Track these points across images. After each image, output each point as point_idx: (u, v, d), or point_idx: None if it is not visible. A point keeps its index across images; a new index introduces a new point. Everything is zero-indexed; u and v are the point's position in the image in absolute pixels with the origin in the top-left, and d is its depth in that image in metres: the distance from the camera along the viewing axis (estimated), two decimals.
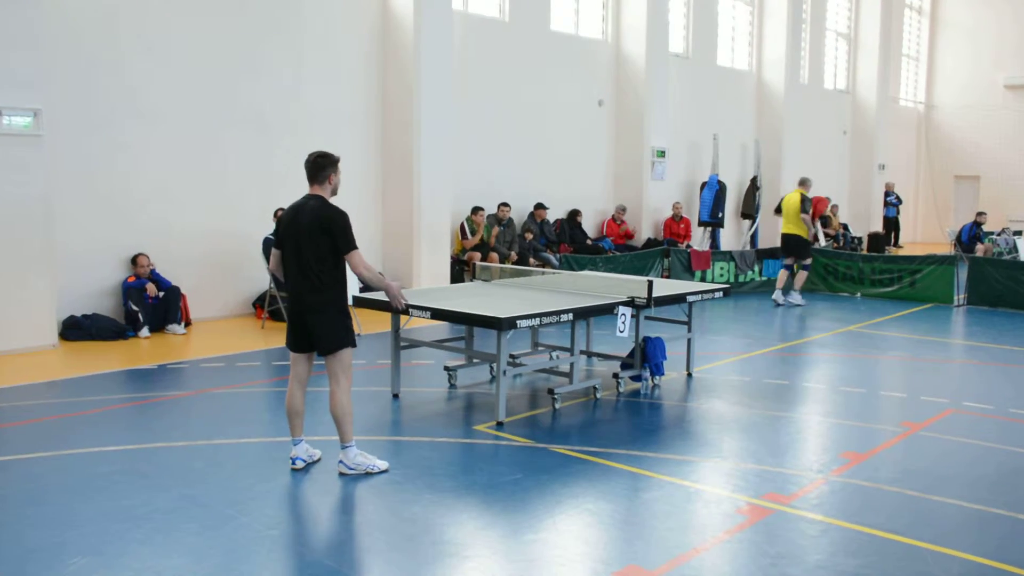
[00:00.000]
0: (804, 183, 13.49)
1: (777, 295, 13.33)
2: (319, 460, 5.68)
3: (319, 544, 4.43)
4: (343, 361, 5.41)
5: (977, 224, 20.24)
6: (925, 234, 28.50)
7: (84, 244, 9.91)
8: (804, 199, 13.18)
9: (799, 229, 13.24)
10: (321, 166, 5.39)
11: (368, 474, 5.43)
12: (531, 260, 13.63)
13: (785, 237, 13.48)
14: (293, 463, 5.55)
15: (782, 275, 13.38)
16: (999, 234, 19.52)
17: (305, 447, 5.64)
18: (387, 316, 7.38)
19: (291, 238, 5.34)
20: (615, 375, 7.74)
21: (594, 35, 16.49)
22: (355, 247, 5.31)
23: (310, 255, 5.27)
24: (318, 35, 11.99)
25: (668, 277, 13.95)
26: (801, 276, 13.52)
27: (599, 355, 8.38)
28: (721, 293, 8.44)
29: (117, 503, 4.90)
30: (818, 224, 20.24)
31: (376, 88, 12.70)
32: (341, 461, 5.47)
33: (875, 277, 14.38)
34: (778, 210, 13.85)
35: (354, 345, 5.48)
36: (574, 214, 15.40)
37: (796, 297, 13.29)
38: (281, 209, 10.57)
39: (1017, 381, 8.67)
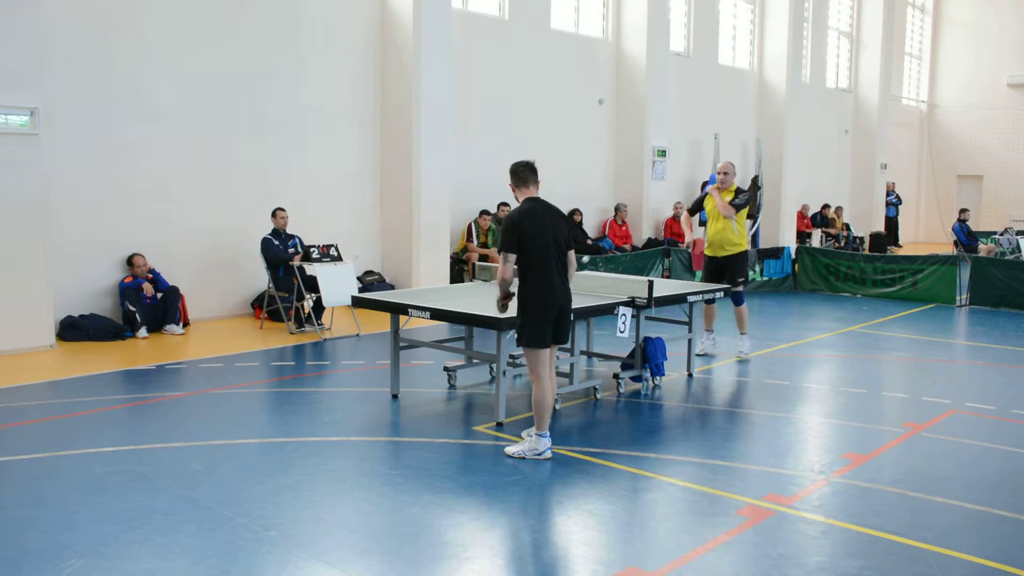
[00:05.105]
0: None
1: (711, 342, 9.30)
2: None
3: (317, 545, 4.40)
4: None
5: (961, 221, 20.25)
6: (927, 234, 28.44)
7: (82, 244, 9.88)
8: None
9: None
10: (535, 171, 5.86)
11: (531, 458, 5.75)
12: None
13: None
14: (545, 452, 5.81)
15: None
16: (1002, 234, 19.44)
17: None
18: (386, 316, 7.36)
19: (546, 239, 5.64)
20: (615, 375, 7.71)
21: (594, 33, 16.45)
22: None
23: (562, 249, 5.77)
24: (317, 34, 11.96)
25: (668, 277, 13.91)
26: (741, 313, 9.15)
27: (599, 355, 8.35)
28: (722, 293, 8.42)
29: (115, 504, 4.88)
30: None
31: (375, 87, 12.66)
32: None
33: (877, 277, 14.34)
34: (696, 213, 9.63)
35: None
36: (573, 213, 15.37)
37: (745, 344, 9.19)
38: (280, 209, 10.55)
39: (1019, 382, 8.63)
